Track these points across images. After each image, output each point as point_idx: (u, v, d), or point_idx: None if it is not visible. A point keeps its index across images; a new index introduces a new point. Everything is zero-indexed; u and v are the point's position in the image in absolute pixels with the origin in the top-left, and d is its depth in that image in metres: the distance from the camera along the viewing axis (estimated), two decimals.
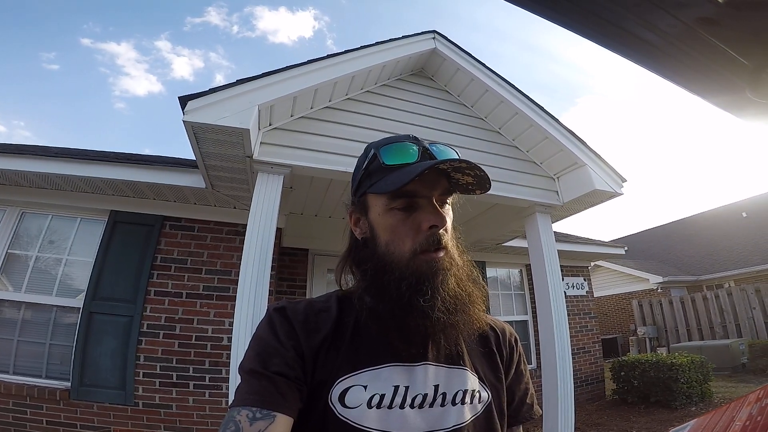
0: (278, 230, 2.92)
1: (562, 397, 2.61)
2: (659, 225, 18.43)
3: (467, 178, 0.62)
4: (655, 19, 0.42)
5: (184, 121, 2.05)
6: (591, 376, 5.51)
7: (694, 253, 13.10)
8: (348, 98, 2.76)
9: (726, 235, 13.25)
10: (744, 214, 14.43)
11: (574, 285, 5.74)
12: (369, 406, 0.56)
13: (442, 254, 0.60)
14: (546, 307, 2.87)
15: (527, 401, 0.75)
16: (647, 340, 8.92)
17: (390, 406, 0.57)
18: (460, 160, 0.58)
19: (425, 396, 0.60)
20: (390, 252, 0.61)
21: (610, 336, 9.62)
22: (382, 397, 0.57)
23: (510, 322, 4.80)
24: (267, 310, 0.64)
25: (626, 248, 6.42)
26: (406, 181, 0.57)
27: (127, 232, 3.19)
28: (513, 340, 0.78)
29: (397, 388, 0.59)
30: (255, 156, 2.32)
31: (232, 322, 2.04)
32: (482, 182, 0.62)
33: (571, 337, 2.98)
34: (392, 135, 0.68)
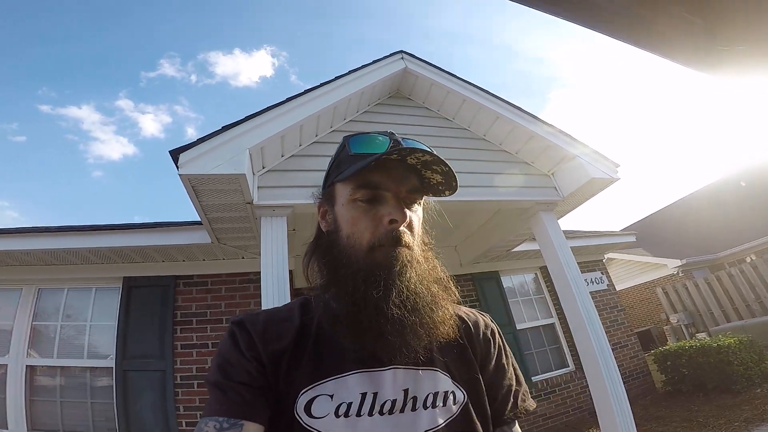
0: (289, 272, 2.97)
1: (613, 395, 2.50)
2: (664, 207, 18.00)
3: (436, 176, 0.61)
4: None
5: (180, 174, 2.08)
6: (635, 371, 5.29)
7: (706, 231, 12.68)
8: (333, 130, 2.84)
9: (731, 207, 12.82)
10: (743, 183, 14.14)
11: (593, 280, 5.62)
12: (336, 415, 0.54)
13: (401, 248, 0.58)
14: (573, 305, 2.79)
15: (511, 399, 0.68)
16: (683, 327, 8.53)
17: (358, 414, 0.55)
18: (424, 152, 0.56)
19: (394, 402, 0.57)
20: (350, 245, 0.59)
21: (643, 328, 9.27)
22: (350, 405, 0.55)
23: (536, 327, 4.83)
24: (229, 323, 0.62)
25: (636, 234, 6.27)
26: (364, 165, 0.56)
27: (143, 295, 3.31)
28: (489, 332, 0.71)
29: (364, 395, 0.56)
30: (255, 201, 2.35)
31: None
32: (449, 180, 0.61)
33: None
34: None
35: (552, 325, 5.03)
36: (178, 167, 2.09)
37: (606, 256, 6.33)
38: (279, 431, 0.54)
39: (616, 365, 2.62)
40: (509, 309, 4.67)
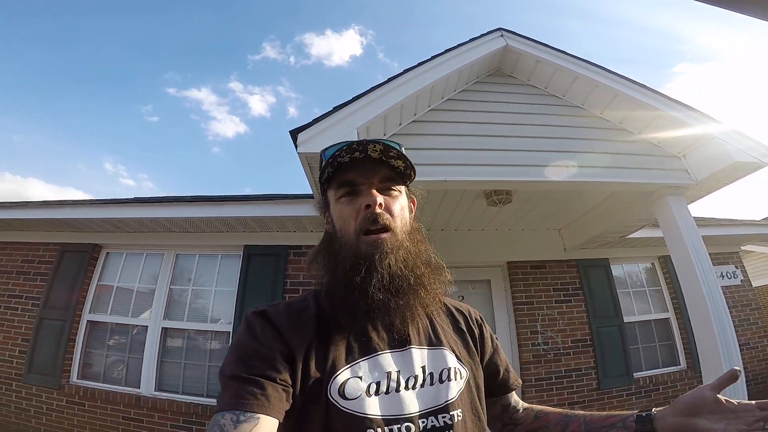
0: None
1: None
2: None
3: (399, 162, 0.69)
4: None
5: (299, 153, 2.24)
6: (761, 374, 4.67)
7: None
8: (431, 109, 2.83)
9: None
10: None
11: (725, 274, 4.94)
12: (368, 394, 0.59)
13: (385, 235, 0.65)
14: (698, 300, 2.47)
15: (510, 369, 0.84)
16: None
17: (387, 392, 0.60)
18: (376, 142, 0.66)
19: (416, 377, 0.64)
20: (341, 236, 0.68)
21: None
22: (378, 384, 0.61)
23: (648, 321, 4.47)
24: (245, 315, 0.65)
25: None
26: (325, 166, 0.68)
27: (260, 263, 3.60)
28: (479, 318, 0.84)
29: (389, 373, 0.62)
30: None
31: None
32: (407, 161, 0.69)
33: None
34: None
35: (666, 320, 4.53)
36: (296, 146, 2.23)
37: (742, 248, 5.41)
38: (315, 419, 0.57)
39: (741, 368, 2.30)
40: (617, 300, 4.26)
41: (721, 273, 4.93)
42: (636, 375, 4.06)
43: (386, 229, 0.66)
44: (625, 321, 4.22)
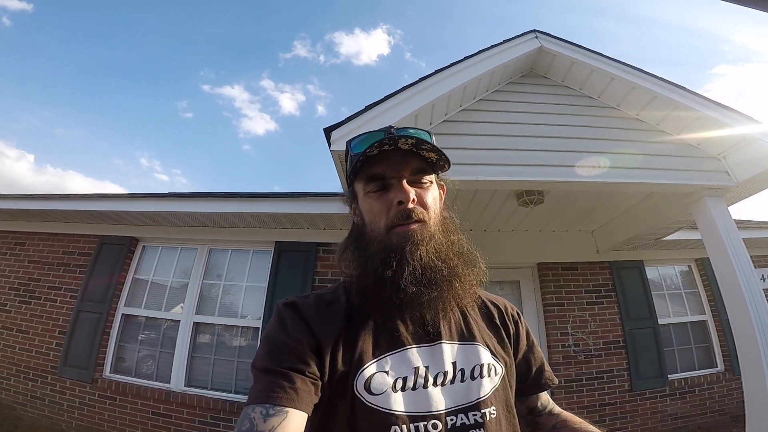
0: None
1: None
2: None
3: (432, 155, 0.67)
4: None
5: (332, 150, 2.29)
6: None
7: None
8: (463, 109, 2.83)
9: None
10: None
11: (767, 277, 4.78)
12: (394, 389, 0.57)
13: (415, 226, 0.64)
14: (738, 302, 2.42)
15: (546, 369, 0.79)
16: None
17: (414, 388, 0.59)
18: (407, 137, 0.64)
19: (446, 374, 0.62)
20: (372, 230, 0.67)
21: None
22: (405, 379, 0.59)
23: (684, 324, 4.42)
24: (276, 306, 0.65)
25: None
26: (354, 159, 0.67)
27: (290, 259, 3.63)
28: (516, 314, 0.81)
29: (417, 369, 0.60)
30: None
31: None
32: (440, 154, 0.66)
33: None
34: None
35: (703, 322, 4.48)
36: (330, 144, 2.27)
37: None
38: (340, 412, 0.57)
39: None
40: (651, 302, 4.21)
41: (763, 276, 4.77)
42: (671, 377, 4.00)
43: (417, 221, 0.65)
44: (659, 323, 4.16)
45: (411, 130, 0.69)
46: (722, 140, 2.73)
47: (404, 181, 0.66)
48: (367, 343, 0.61)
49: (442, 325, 0.66)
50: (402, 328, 0.64)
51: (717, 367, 4.26)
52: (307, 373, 0.55)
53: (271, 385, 0.53)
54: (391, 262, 0.61)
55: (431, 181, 0.70)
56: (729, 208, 2.80)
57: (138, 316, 3.75)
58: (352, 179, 0.72)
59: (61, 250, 4.06)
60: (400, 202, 0.64)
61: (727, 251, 2.51)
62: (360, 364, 0.59)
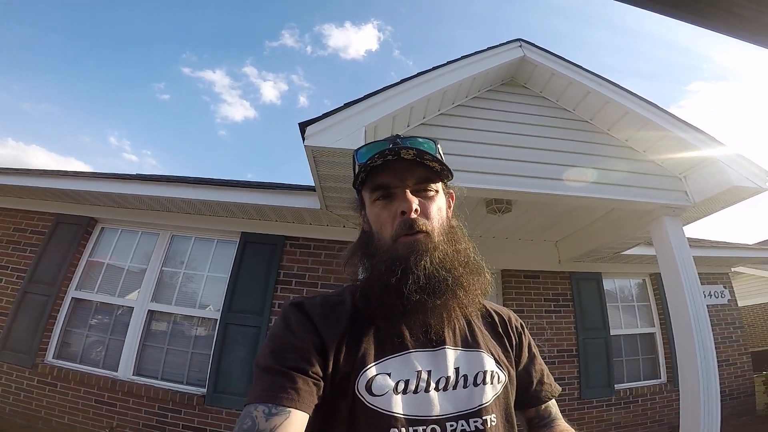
0: None
1: (706, 413, 2.40)
2: None
3: (435, 164, 0.67)
4: None
5: (305, 145, 2.25)
6: (737, 390, 4.91)
7: None
8: (441, 113, 2.84)
9: None
10: None
11: (713, 293, 5.20)
12: (395, 392, 0.58)
13: (420, 236, 0.64)
14: (683, 318, 2.57)
15: (546, 381, 0.78)
16: None
17: (415, 391, 0.59)
18: (408, 148, 0.65)
19: (448, 379, 0.62)
20: (378, 239, 0.68)
21: (761, 348, 8.41)
22: (407, 382, 0.59)
23: (634, 335, 4.60)
24: (283, 306, 0.66)
25: None
26: (359, 173, 0.68)
27: (255, 251, 3.55)
28: (519, 325, 0.81)
29: (419, 373, 0.61)
30: None
31: None
32: (443, 164, 0.67)
33: None
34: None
35: (652, 335, 4.73)
36: (304, 139, 2.24)
37: (732, 270, 5.67)
38: (341, 412, 0.57)
39: (718, 383, 2.45)
40: (606, 313, 4.40)
41: (710, 292, 5.16)
42: (617, 387, 4.17)
43: (422, 231, 0.65)
44: (611, 334, 4.34)
45: (420, 140, 0.71)
46: (685, 160, 2.84)
47: (407, 191, 0.66)
48: (370, 345, 0.62)
49: (446, 332, 0.67)
50: (406, 333, 0.64)
51: (660, 378, 4.48)
52: (310, 373, 0.56)
53: (273, 384, 0.54)
54: (396, 270, 0.61)
55: (437, 190, 0.70)
56: (686, 227, 2.95)
57: (90, 300, 3.57)
58: (359, 187, 0.73)
59: (12, 226, 3.79)
60: (403, 213, 0.65)
61: (677, 267, 2.65)
62: (362, 365, 0.59)
